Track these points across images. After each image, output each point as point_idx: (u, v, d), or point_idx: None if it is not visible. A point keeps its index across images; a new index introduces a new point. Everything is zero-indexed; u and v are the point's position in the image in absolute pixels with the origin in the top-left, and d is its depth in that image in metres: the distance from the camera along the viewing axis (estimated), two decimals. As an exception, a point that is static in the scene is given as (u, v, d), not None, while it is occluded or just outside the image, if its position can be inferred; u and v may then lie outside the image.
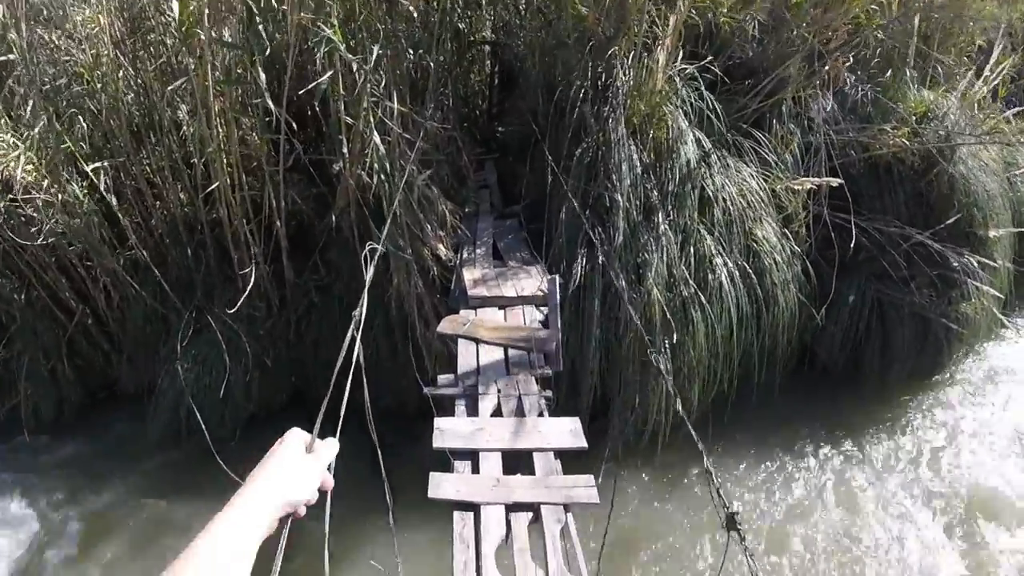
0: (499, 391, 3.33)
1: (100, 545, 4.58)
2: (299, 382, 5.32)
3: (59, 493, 5.09)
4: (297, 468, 0.96)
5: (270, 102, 4.34)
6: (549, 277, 3.80)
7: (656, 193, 4.33)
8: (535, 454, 3.00)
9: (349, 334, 1.86)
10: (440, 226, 4.34)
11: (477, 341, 3.71)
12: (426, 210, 4.31)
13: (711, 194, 4.51)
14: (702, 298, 4.27)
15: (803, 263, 4.77)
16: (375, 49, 4.13)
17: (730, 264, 4.39)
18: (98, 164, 4.82)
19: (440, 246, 4.26)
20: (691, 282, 4.28)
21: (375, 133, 4.14)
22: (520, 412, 3.24)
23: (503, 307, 4.07)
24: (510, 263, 4.47)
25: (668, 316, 4.12)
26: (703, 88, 4.55)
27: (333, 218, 4.63)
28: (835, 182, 4.38)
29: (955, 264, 5.28)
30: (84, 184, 4.89)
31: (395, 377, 4.96)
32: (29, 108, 4.62)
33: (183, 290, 5.26)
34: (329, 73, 4.19)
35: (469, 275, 4.21)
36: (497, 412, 3.27)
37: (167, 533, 4.56)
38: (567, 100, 4.58)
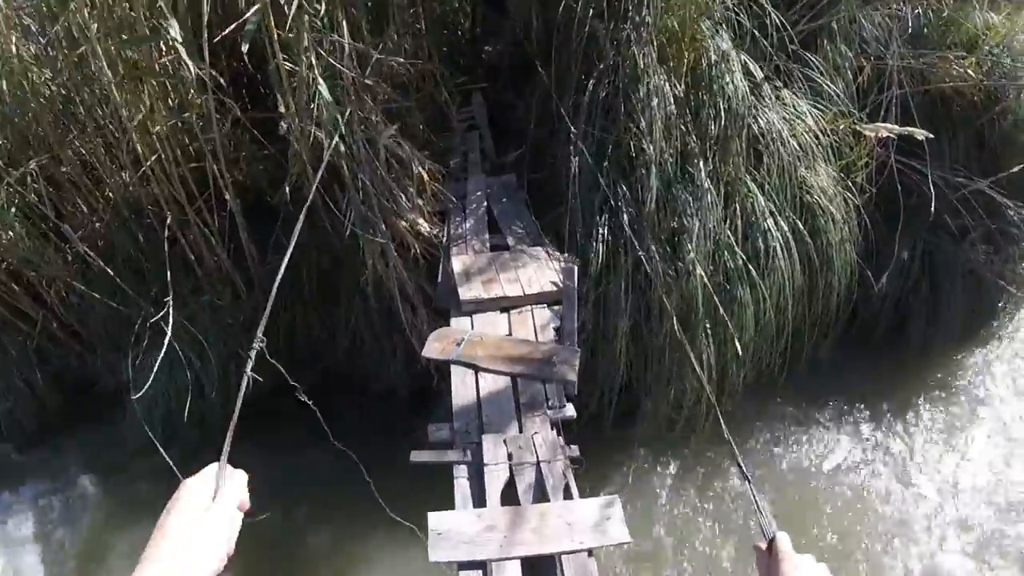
0: (510, 456, 1.96)
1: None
2: (278, 368, 3.95)
3: (53, 513, 3.90)
4: (199, 538, 0.66)
5: (185, 55, 2.70)
6: (563, 265, 2.33)
7: (694, 137, 2.75)
8: (563, 557, 1.67)
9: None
10: (418, 193, 2.81)
11: (476, 369, 2.28)
12: (398, 174, 2.76)
13: (759, 135, 2.93)
14: (752, 272, 2.80)
15: (859, 218, 3.26)
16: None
17: (784, 226, 2.89)
18: (18, 173, 3.28)
19: (420, 220, 2.75)
20: (738, 251, 2.80)
21: (320, 80, 2.51)
22: (540, 486, 1.88)
23: (505, 309, 2.59)
24: (509, 239, 2.94)
25: (713, 295, 2.68)
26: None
27: (287, 190, 3.08)
28: (922, 134, 2.80)
29: (1015, 218, 3.78)
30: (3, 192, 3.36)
31: (382, 360, 3.61)
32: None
33: (138, 283, 3.79)
34: (255, 8, 2.53)
35: (459, 264, 2.71)
36: (510, 484, 1.91)
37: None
38: (573, 14, 2.90)
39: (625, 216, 2.67)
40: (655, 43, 2.74)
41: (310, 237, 3.57)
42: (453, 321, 2.54)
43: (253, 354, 1.21)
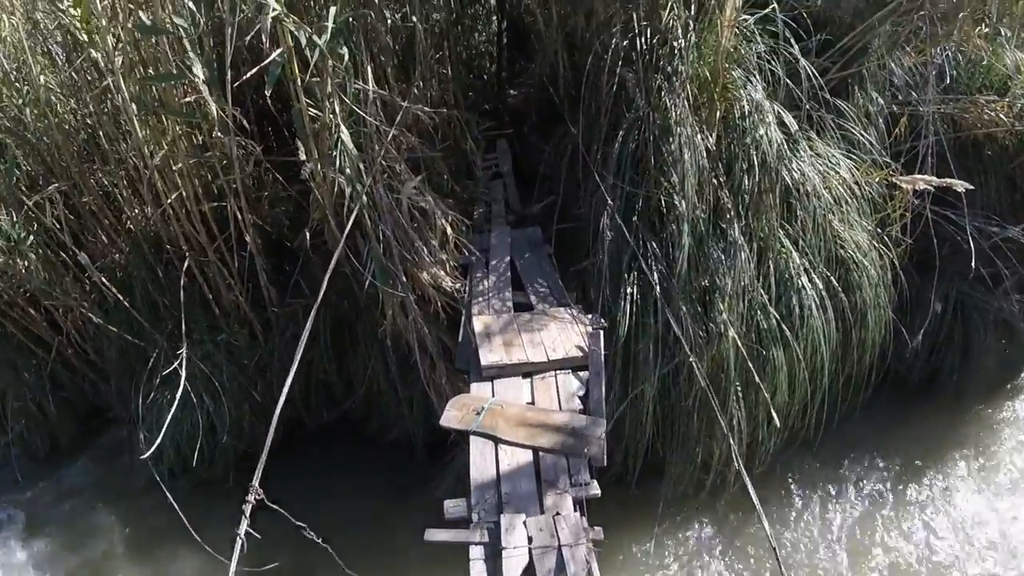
0: (530, 539, 1.72)
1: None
2: (296, 412, 3.74)
3: (60, 541, 3.68)
4: None
5: (207, 95, 2.55)
6: (589, 328, 2.10)
7: (727, 192, 2.53)
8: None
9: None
10: (440, 245, 2.60)
11: (496, 441, 2.05)
12: (420, 226, 2.56)
13: (792, 187, 2.70)
14: (786, 332, 2.56)
15: (894, 272, 3.00)
16: (330, 13, 2.28)
17: (819, 283, 2.64)
18: (38, 196, 3.16)
19: (442, 273, 2.54)
20: (772, 311, 2.55)
21: (342, 127, 2.34)
22: (561, 572, 1.66)
23: (528, 374, 2.36)
24: (532, 296, 2.71)
25: (745, 358, 2.43)
26: (791, 45, 2.64)
27: (307, 235, 2.90)
28: (962, 186, 2.56)
29: (1049, 265, 3.51)
30: (23, 219, 3.24)
31: (399, 410, 3.39)
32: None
33: (155, 318, 3.62)
34: (279, 51, 2.38)
35: (480, 324, 2.49)
36: (529, 569, 1.68)
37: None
38: (602, 63, 2.70)
39: (655, 275, 2.44)
40: (688, 94, 2.53)
41: (329, 282, 3.38)
42: (473, 386, 2.31)
43: (248, 508, 1.01)
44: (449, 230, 2.60)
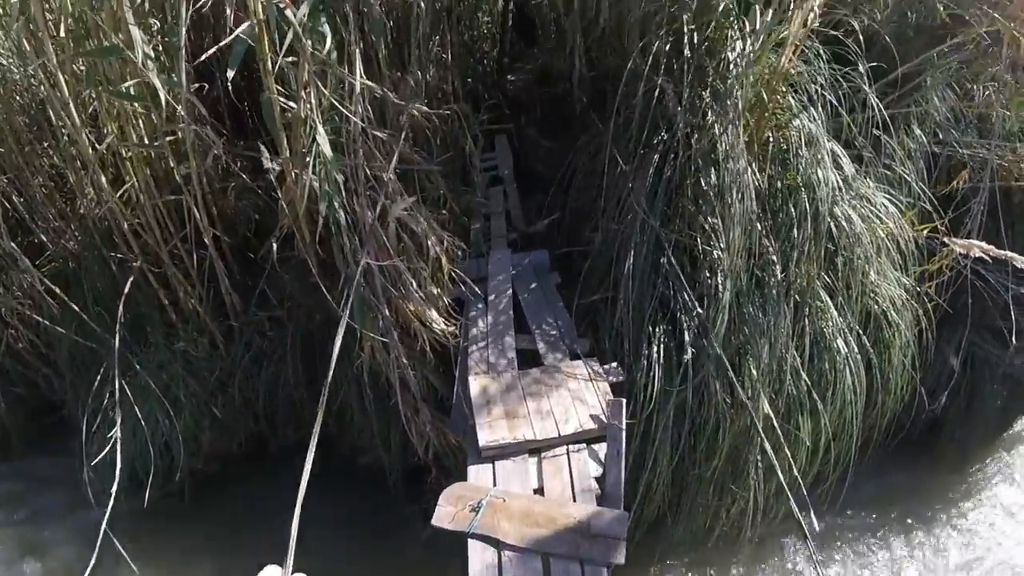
0: None
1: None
2: (259, 427, 3.15)
3: (4, 552, 3.11)
4: None
5: (154, 78, 1.87)
6: (608, 387, 1.59)
7: (772, 241, 2.00)
8: None
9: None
10: (432, 276, 2.02)
11: (498, 544, 1.53)
12: (409, 252, 1.96)
13: (835, 235, 2.20)
14: (817, 401, 2.10)
15: (920, 329, 2.57)
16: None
17: (854, 347, 2.18)
18: None
19: (432, 313, 1.96)
20: (804, 377, 2.08)
21: (319, 125, 1.70)
22: None
23: (536, 450, 1.82)
24: (540, 343, 2.15)
25: (775, 427, 1.97)
26: (854, 72, 2.10)
27: (273, 245, 2.27)
28: (1022, 262, 2.09)
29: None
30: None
31: (373, 440, 2.85)
32: None
33: (108, 317, 2.96)
34: (245, 25, 1.72)
35: (477, 387, 1.93)
36: None
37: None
38: (636, 67, 2.08)
39: (687, 334, 1.93)
40: (744, 121, 1.96)
41: (301, 295, 2.77)
42: (470, 471, 1.77)
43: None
44: (443, 259, 2.01)
